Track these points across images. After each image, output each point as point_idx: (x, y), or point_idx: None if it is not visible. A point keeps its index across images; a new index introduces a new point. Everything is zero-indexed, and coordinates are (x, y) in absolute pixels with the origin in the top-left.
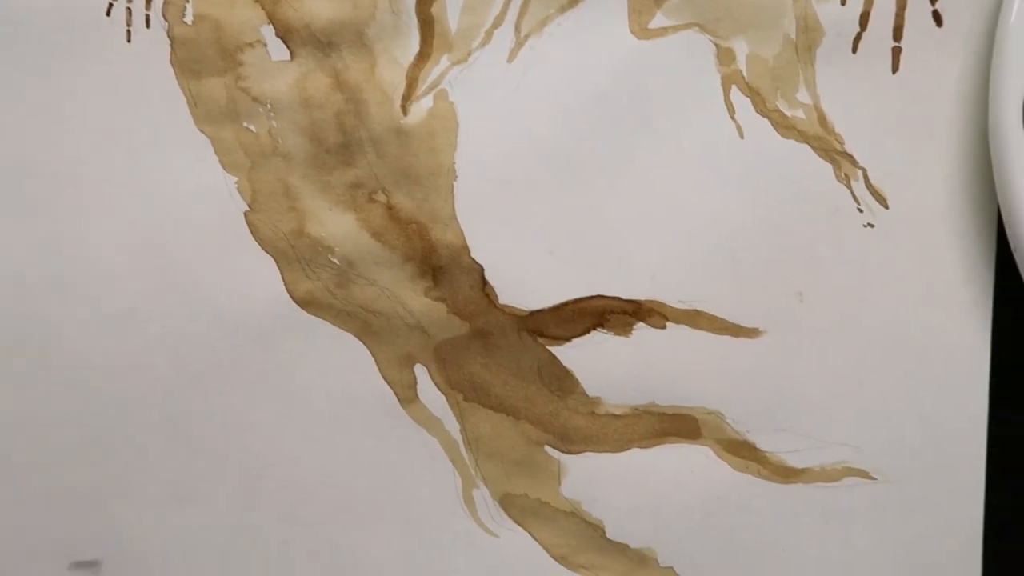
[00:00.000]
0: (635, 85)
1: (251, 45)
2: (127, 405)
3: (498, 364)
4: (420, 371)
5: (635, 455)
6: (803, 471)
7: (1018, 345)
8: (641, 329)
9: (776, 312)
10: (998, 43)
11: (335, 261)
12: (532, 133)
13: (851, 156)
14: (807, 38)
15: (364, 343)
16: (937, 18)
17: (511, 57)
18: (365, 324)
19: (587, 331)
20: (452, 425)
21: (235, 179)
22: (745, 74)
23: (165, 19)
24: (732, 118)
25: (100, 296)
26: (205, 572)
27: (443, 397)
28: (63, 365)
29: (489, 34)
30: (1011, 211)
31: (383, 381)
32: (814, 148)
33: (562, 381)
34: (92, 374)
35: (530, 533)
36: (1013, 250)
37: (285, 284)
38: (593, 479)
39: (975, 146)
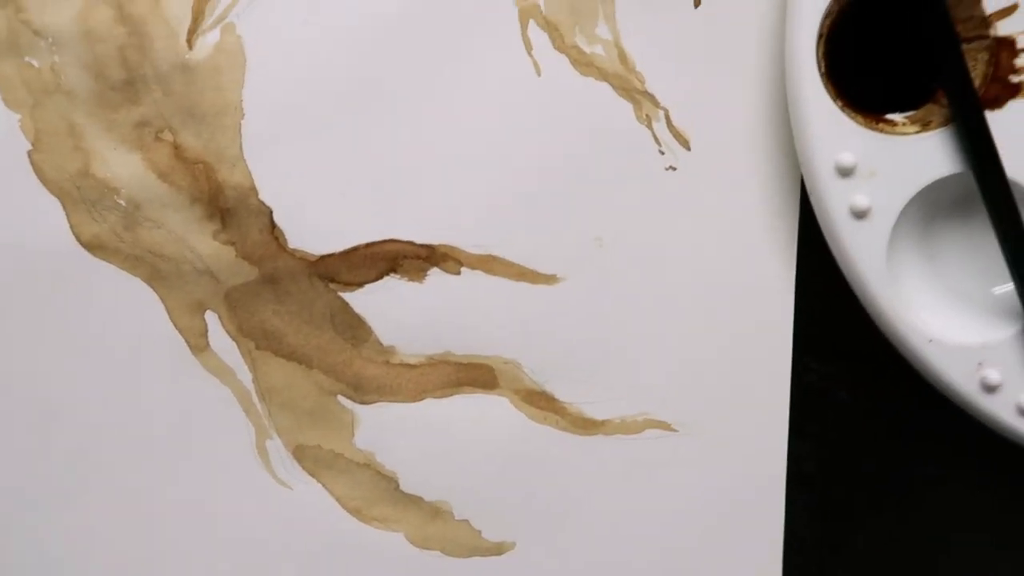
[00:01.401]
0: (429, 20)
1: None
2: None
3: (290, 311)
4: (212, 318)
5: (430, 405)
6: (603, 423)
7: (822, 290)
8: (435, 275)
9: (574, 258)
10: None
11: (121, 203)
12: (323, 71)
13: (652, 96)
14: None
15: (153, 289)
16: None
17: None
18: (154, 269)
19: (380, 276)
20: (244, 374)
21: (18, 116)
22: (543, 7)
23: None
24: (529, 55)
25: None
26: None
27: (235, 345)
28: None
29: None
30: (806, 153)
31: (174, 328)
32: (614, 87)
33: (355, 329)
34: None
35: (323, 485)
36: (809, 192)
37: (71, 227)
38: (387, 430)
39: (778, 85)
